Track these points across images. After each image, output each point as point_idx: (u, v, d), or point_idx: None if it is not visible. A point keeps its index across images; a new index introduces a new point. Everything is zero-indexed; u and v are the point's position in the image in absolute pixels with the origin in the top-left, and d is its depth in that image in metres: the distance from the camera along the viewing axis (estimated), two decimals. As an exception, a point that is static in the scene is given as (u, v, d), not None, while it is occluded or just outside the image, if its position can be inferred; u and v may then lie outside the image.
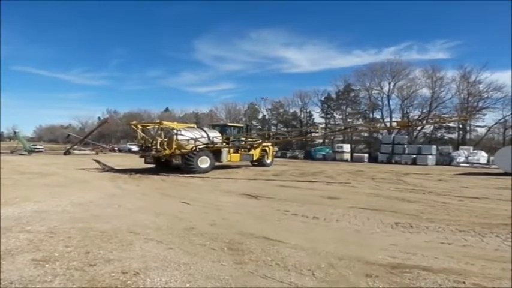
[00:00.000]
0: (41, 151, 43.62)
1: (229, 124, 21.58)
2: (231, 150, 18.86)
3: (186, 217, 6.58)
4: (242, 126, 21.67)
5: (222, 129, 19.85)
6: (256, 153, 20.73)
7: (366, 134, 40.45)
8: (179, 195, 9.59)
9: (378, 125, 32.05)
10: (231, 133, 19.55)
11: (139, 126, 17.51)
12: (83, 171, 17.09)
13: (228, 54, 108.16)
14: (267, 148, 21.93)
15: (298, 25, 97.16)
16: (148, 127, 17.77)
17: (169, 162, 16.52)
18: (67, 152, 37.80)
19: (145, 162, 17.84)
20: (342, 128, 28.83)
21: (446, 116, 36.45)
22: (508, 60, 55.46)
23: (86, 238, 4.92)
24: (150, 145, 16.81)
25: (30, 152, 37.20)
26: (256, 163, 21.33)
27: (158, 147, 16.18)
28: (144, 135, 17.15)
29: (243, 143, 19.94)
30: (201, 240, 4.96)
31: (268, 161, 22.26)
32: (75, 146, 41.28)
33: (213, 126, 20.90)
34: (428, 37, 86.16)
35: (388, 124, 36.16)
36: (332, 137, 43.06)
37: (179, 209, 7.44)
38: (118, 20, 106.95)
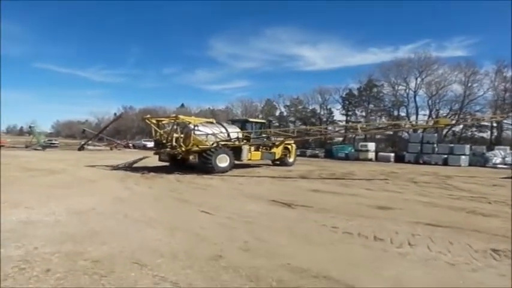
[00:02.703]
0: (56, 146, 43.07)
1: (251, 120, 19.99)
2: (252, 148, 17.30)
3: (209, 235, 5.04)
4: (264, 122, 20.06)
5: (243, 125, 18.28)
6: (278, 152, 19.09)
7: (390, 132, 38.19)
8: (198, 201, 8.09)
9: (414, 123, 29.62)
10: (252, 129, 17.97)
11: (154, 121, 16.12)
12: (93, 168, 15.82)
13: (242, 52, 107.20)
14: (289, 146, 20.28)
15: (312, 23, 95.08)
16: (163, 122, 16.36)
17: (185, 160, 15.09)
18: (81, 148, 36.99)
19: (160, 160, 16.46)
20: (380, 126, 26.66)
21: (483, 115, 34.06)
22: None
23: (70, 273, 3.43)
24: (165, 141, 15.39)
25: (45, 147, 36.53)
26: (278, 162, 19.73)
27: (174, 143, 14.74)
28: (158, 130, 15.74)
29: (267, 139, 18.30)
30: (237, 279, 3.41)
31: (291, 160, 20.60)
32: (90, 142, 40.47)
33: (233, 122, 19.35)
34: (445, 34, 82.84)
35: (423, 122, 33.84)
36: (354, 136, 41.09)
37: (199, 222, 5.91)
38: (135, 18, 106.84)
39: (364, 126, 22.54)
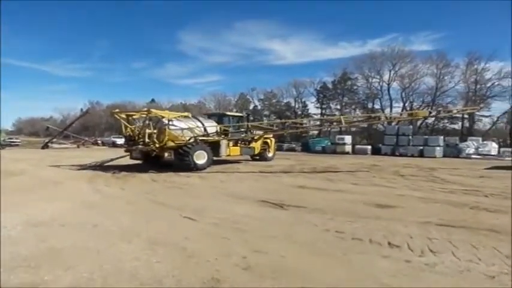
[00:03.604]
0: (17, 145, 40.39)
1: (228, 113, 19.06)
2: (231, 144, 16.45)
3: (197, 250, 4.20)
4: (242, 116, 19.21)
5: (220, 119, 17.35)
6: (257, 147, 18.33)
7: (365, 125, 38.29)
8: (177, 204, 7.21)
9: (394, 115, 29.62)
10: (230, 123, 17.09)
11: (124, 116, 14.92)
12: (58, 168, 14.47)
13: (213, 46, 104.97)
14: (268, 140, 19.57)
15: (282, 16, 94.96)
16: (134, 116, 15.17)
17: (160, 158, 14.02)
18: (45, 146, 34.75)
19: (131, 158, 15.29)
20: (360, 118, 26.33)
21: (454, 107, 34.65)
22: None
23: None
24: (136, 138, 14.26)
25: (4, 146, 34.04)
26: (257, 157, 18.97)
27: (146, 139, 13.65)
28: (129, 126, 14.57)
29: (246, 133, 17.44)
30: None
31: (270, 154, 19.90)
32: (55, 139, 38.17)
33: (209, 116, 18.36)
34: (412, 29, 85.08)
35: (397, 115, 34.02)
36: (329, 129, 40.95)
37: (183, 231, 5.06)
38: (101, 10, 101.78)
39: (347, 118, 22.08)
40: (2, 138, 36.56)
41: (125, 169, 13.86)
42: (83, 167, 14.75)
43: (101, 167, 15.21)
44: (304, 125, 25.50)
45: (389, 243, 4.51)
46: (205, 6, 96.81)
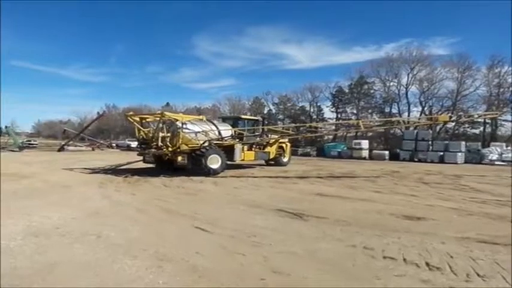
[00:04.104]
0: (35, 147, 40.85)
1: (243, 117, 18.64)
2: (245, 148, 15.98)
3: (210, 268, 3.73)
4: (257, 119, 18.76)
5: (235, 122, 16.95)
6: (272, 151, 17.83)
7: (382, 130, 37.28)
8: (189, 212, 6.76)
9: (412, 120, 28.65)
10: (245, 127, 16.64)
11: (137, 119, 14.63)
12: (69, 172, 14.26)
13: (227, 51, 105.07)
14: (284, 145, 19.04)
15: (296, 21, 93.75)
16: (148, 120, 14.87)
17: (173, 162, 13.66)
18: (61, 148, 34.99)
19: (144, 162, 14.99)
20: (379, 122, 25.54)
21: (475, 112, 33.40)
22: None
23: None
24: (149, 141, 13.93)
25: (22, 148, 34.38)
26: (272, 162, 18.47)
27: (160, 143, 13.30)
28: (142, 129, 14.27)
29: (262, 137, 16.96)
30: None
31: (286, 159, 19.37)
32: (71, 142, 38.44)
33: (224, 119, 17.97)
34: (427, 34, 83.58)
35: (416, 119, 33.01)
36: (345, 133, 40.12)
37: (194, 244, 4.59)
38: (118, 16, 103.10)
39: (366, 122, 21.43)
40: (19, 141, 36.93)
41: (138, 173, 13.55)
42: (95, 171, 14.51)
43: (114, 170, 14.96)
44: (322, 129, 24.79)
45: (427, 264, 3.94)
46: (219, 11, 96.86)
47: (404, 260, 4.09)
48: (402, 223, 6.06)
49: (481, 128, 37.20)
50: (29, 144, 41.01)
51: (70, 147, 36.93)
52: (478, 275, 3.67)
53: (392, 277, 3.61)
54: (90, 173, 13.86)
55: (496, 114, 30.31)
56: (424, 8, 71.57)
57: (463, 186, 11.24)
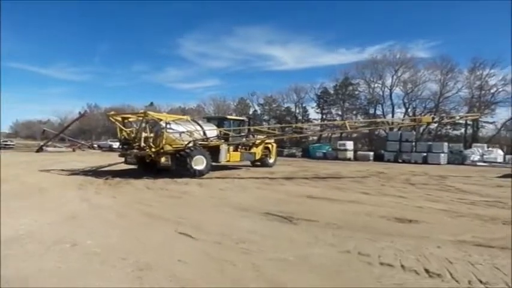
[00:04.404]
0: (11, 147, 39.47)
1: (228, 117, 18.30)
2: (231, 149, 15.66)
3: (194, 279, 3.43)
4: (243, 120, 18.46)
5: (220, 122, 16.61)
6: (258, 152, 17.58)
7: (366, 131, 37.56)
8: (173, 216, 6.41)
9: (398, 121, 28.85)
10: (230, 127, 16.32)
11: (119, 118, 14.14)
12: (47, 173, 13.65)
13: (212, 51, 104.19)
14: (270, 146, 18.82)
15: (282, 23, 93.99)
16: (130, 119, 14.39)
17: (156, 163, 13.22)
18: (40, 149, 33.85)
19: (126, 163, 14.51)
20: (363, 123, 25.55)
21: (457, 113, 34.00)
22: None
23: None
24: (131, 142, 13.46)
25: (-4, 148, 33.15)
26: (258, 163, 18.22)
27: (142, 143, 12.86)
28: (124, 129, 13.79)
29: (248, 138, 16.67)
30: None
31: (271, 160, 19.16)
32: (50, 143, 37.28)
33: (209, 120, 17.59)
34: (410, 36, 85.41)
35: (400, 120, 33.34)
36: (330, 134, 40.22)
37: (178, 252, 4.27)
38: (103, 15, 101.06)
39: (351, 123, 21.47)
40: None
41: (120, 175, 13.08)
42: (75, 172, 13.95)
43: (94, 172, 14.43)
44: (308, 130, 24.68)
45: (427, 271, 3.73)
46: (204, 11, 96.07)
47: (403, 266, 3.87)
48: (394, 226, 5.87)
49: (463, 130, 37.88)
50: (5, 145, 39.61)
51: (49, 148, 35.79)
52: (481, 281, 3.48)
53: (392, 286, 3.38)
54: (69, 175, 13.30)
55: (477, 115, 30.89)
56: (407, 10, 72.76)
57: (449, 187, 11.20)
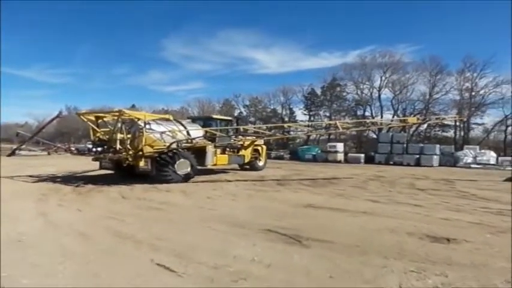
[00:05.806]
0: (-19, 152, 36.97)
1: (215, 117, 16.90)
2: (218, 151, 14.27)
3: None
4: (230, 120, 17.13)
5: (205, 123, 15.21)
6: (247, 155, 16.28)
7: (354, 132, 36.70)
8: (149, 237, 5.04)
9: (389, 122, 28.01)
10: (217, 128, 14.92)
11: (93, 118, 12.62)
12: (10, 180, 11.98)
13: (196, 54, 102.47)
14: (259, 148, 17.54)
15: (265, 26, 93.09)
16: (105, 119, 12.86)
17: (134, 168, 11.73)
18: (12, 153, 31.61)
19: (101, 168, 12.95)
20: (355, 124, 24.55)
21: (446, 114, 33.47)
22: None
23: None
24: (106, 144, 11.95)
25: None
26: (247, 166, 16.91)
27: (118, 146, 11.37)
28: (97, 129, 12.27)
29: (237, 138, 15.30)
30: None
31: (261, 163, 17.90)
32: (23, 146, 35.03)
33: (193, 120, 16.12)
34: (391, 41, 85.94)
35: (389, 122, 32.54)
36: (319, 136, 39.26)
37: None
38: (84, 16, 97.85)
39: (342, 123, 20.44)
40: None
41: (94, 181, 11.59)
42: (42, 178, 12.34)
43: (65, 178, 12.84)
44: (300, 130, 23.47)
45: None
46: (188, 13, 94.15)
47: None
48: (432, 248, 4.65)
49: (452, 132, 37.47)
50: (-25, 148, 37.10)
51: (22, 152, 33.56)
52: None
53: None
54: (34, 182, 11.68)
55: (463, 117, 30.52)
56: (388, 14, 72.63)
57: (464, 193, 10.13)
